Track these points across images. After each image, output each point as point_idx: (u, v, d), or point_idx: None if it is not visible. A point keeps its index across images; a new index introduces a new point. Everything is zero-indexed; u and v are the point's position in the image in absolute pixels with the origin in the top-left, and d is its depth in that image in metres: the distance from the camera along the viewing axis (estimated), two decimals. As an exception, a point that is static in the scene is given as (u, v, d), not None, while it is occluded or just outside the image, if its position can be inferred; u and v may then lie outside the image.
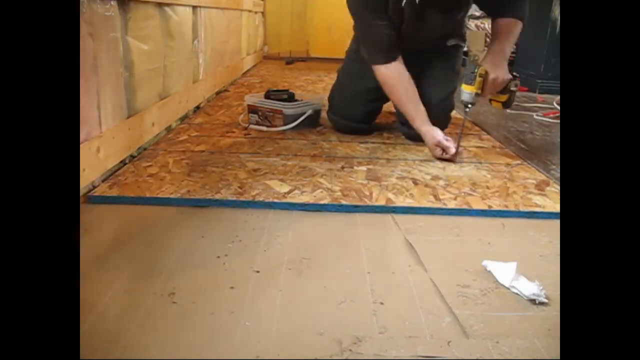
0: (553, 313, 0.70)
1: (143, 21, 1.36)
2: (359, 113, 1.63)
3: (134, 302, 0.70)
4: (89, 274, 0.76)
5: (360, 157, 1.42)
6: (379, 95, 1.55)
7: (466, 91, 1.32)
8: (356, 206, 1.05)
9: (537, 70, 2.96)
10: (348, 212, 1.04)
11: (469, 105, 1.34)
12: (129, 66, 1.29)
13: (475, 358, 0.60)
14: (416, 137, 1.60)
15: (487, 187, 1.19)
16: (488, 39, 3.52)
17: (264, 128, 1.68)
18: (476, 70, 1.30)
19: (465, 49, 4.42)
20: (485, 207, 1.07)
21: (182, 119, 1.80)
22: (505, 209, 1.07)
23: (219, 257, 0.83)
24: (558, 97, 2.58)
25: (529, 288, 0.73)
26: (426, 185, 1.19)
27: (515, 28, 1.42)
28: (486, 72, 1.33)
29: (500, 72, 1.36)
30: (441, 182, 1.21)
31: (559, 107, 2.36)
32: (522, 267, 0.78)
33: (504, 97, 1.44)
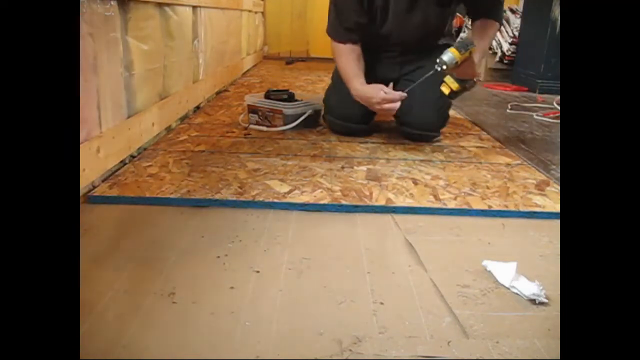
0: (553, 313, 0.70)
1: (143, 21, 1.36)
2: (357, 113, 1.62)
3: (134, 302, 0.70)
4: (89, 274, 0.76)
5: (360, 157, 1.42)
6: None
7: (452, 54, 1.31)
8: (356, 206, 1.05)
9: (537, 70, 2.96)
10: (348, 212, 1.04)
11: (443, 67, 1.33)
12: (129, 66, 1.29)
13: (475, 358, 0.60)
14: (416, 137, 1.61)
15: (487, 187, 1.19)
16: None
17: (264, 128, 1.68)
18: (470, 46, 1.32)
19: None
20: (485, 207, 1.07)
21: (182, 119, 1.80)
22: (505, 209, 1.07)
23: (219, 257, 0.83)
24: (558, 97, 2.58)
25: (529, 288, 0.73)
26: (426, 185, 1.19)
27: (492, 29, 1.56)
28: (471, 54, 1.34)
29: (476, 65, 1.42)
30: (441, 182, 1.21)
31: (559, 107, 2.36)
32: (522, 267, 0.78)
33: (456, 86, 1.42)
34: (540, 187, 1.22)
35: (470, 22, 4.09)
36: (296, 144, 1.52)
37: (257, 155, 1.38)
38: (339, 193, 1.11)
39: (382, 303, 0.72)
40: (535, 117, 2.15)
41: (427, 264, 0.83)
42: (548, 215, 1.05)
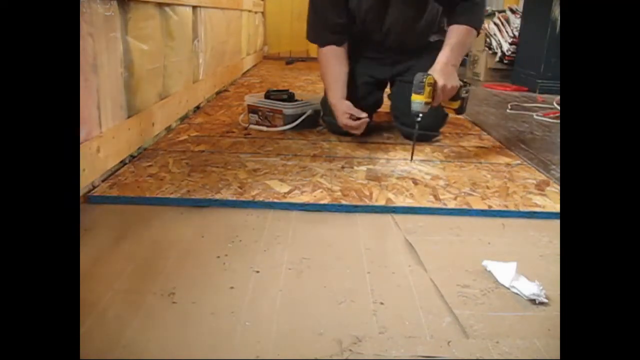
0: (553, 313, 0.70)
1: (143, 21, 1.36)
2: None
3: (134, 302, 0.70)
4: (89, 274, 0.76)
5: (360, 157, 1.42)
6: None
7: (416, 101, 1.31)
8: (356, 206, 1.05)
9: (537, 70, 2.96)
10: (348, 212, 1.04)
11: (420, 115, 1.34)
12: (129, 66, 1.29)
13: (475, 358, 0.60)
14: (416, 137, 1.61)
15: (487, 187, 1.19)
16: (488, 39, 3.52)
17: (264, 128, 1.68)
18: (424, 80, 1.30)
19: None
20: (485, 207, 1.07)
21: (182, 119, 1.80)
22: (505, 209, 1.07)
23: (219, 257, 0.83)
24: (558, 97, 2.58)
25: (529, 288, 0.73)
26: (426, 185, 1.19)
27: (467, 36, 1.44)
28: (435, 81, 1.32)
29: (449, 80, 1.35)
30: (441, 182, 1.21)
31: (559, 107, 2.36)
32: (522, 267, 0.78)
33: (455, 104, 1.45)
34: (540, 187, 1.22)
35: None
36: (296, 144, 1.52)
37: (257, 155, 1.38)
38: (339, 193, 1.11)
39: (382, 303, 0.72)
40: (535, 117, 2.15)
41: (427, 264, 0.83)
42: (548, 215, 1.05)
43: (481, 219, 1.04)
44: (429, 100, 1.32)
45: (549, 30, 2.85)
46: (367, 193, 1.12)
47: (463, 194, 1.14)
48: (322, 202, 1.06)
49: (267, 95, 1.78)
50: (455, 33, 1.43)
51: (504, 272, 0.77)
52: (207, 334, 0.64)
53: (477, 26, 1.46)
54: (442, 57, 1.39)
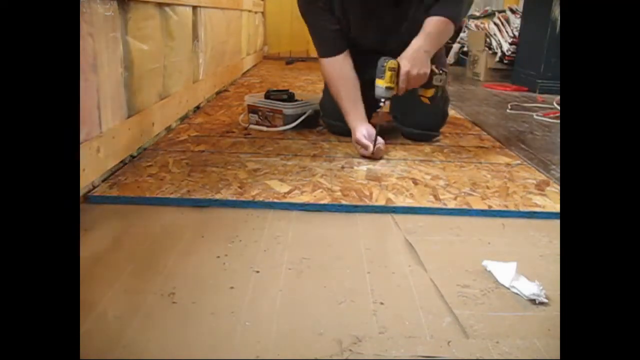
0: (553, 313, 0.70)
1: (143, 21, 1.36)
2: None
3: (134, 302, 0.70)
4: (89, 274, 0.76)
5: (360, 157, 1.42)
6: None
7: (378, 85, 1.30)
8: (356, 206, 1.05)
9: (537, 70, 2.96)
10: (348, 212, 1.04)
11: (383, 100, 1.33)
12: (129, 66, 1.29)
13: (475, 358, 0.60)
14: (416, 137, 1.61)
15: (487, 187, 1.19)
16: (488, 39, 3.52)
17: (264, 128, 1.68)
18: (385, 64, 1.28)
19: (465, 49, 4.41)
20: (485, 207, 1.07)
21: (182, 119, 1.80)
22: (505, 209, 1.07)
23: (219, 257, 0.83)
24: (558, 97, 2.58)
25: (529, 288, 0.73)
26: (426, 185, 1.19)
27: (442, 27, 1.40)
28: (397, 66, 1.31)
29: (417, 67, 1.33)
30: (441, 182, 1.21)
31: (559, 107, 2.36)
32: (522, 267, 0.78)
33: (429, 92, 1.44)
34: (540, 187, 1.22)
35: (468, 22, 4.10)
36: (296, 144, 1.52)
37: (257, 155, 1.38)
38: (339, 193, 1.11)
39: (382, 303, 0.72)
40: (535, 117, 2.15)
41: (427, 264, 0.83)
42: (548, 215, 1.05)
43: (481, 219, 1.04)
44: (391, 85, 1.30)
45: (549, 30, 2.85)
46: (367, 193, 1.12)
47: (463, 194, 1.14)
48: (322, 202, 1.06)
49: (267, 95, 1.78)
50: (432, 23, 1.39)
51: (504, 272, 0.77)
52: (207, 334, 0.64)
53: (454, 18, 1.41)
54: (415, 43, 1.36)
